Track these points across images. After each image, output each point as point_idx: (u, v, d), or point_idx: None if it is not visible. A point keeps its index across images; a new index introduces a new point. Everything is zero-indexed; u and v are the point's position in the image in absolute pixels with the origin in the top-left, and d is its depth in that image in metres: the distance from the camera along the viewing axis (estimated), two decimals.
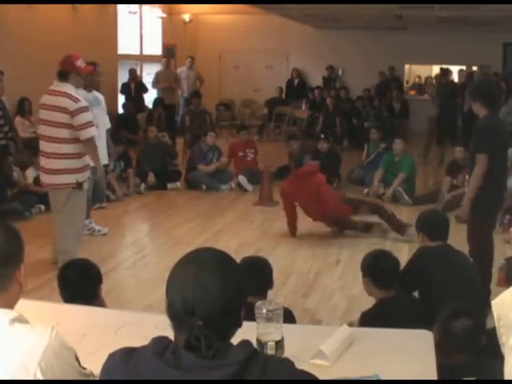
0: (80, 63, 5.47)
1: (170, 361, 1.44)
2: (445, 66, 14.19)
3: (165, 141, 9.99)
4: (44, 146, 5.46)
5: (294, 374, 1.51)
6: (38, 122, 5.61)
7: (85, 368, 1.73)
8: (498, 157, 4.54)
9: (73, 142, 5.36)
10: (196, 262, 1.51)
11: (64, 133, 5.33)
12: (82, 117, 5.32)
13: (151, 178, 9.00)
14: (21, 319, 1.68)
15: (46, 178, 5.55)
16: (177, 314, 1.47)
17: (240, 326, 1.53)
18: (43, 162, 5.51)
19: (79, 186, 5.43)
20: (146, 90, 13.07)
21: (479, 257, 4.52)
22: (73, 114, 5.30)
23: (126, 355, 1.52)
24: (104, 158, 6.48)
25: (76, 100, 5.33)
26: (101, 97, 6.58)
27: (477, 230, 4.68)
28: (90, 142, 5.43)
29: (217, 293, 1.46)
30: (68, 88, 5.38)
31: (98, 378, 1.67)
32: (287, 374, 1.49)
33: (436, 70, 16.94)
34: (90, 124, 5.37)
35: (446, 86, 12.53)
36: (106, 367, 1.55)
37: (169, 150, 9.75)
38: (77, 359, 1.70)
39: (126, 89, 12.75)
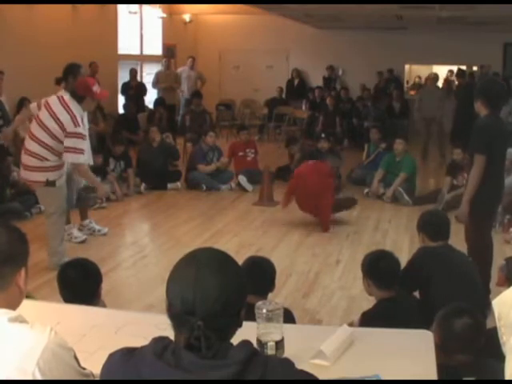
0: (96, 88, 5.61)
1: (170, 361, 1.44)
2: (463, 67, 14.25)
3: (169, 142, 9.97)
4: (29, 144, 5.55)
5: (294, 374, 1.51)
6: (34, 118, 5.62)
7: (84, 368, 1.73)
8: (496, 157, 4.52)
9: (56, 154, 5.50)
10: (196, 262, 1.51)
11: (52, 142, 5.46)
12: (74, 142, 5.43)
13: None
14: (20, 319, 1.68)
15: (23, 174, 5.72)
16: (177, 314, 1.47)
17: (240, 326, 1.53)
18: (25, 158, 5.59)
19: (51, 183, 5.53)
20: (145, 91, 13.05)
21: (477, 256, 4.51)
22: (68, 135, 5.43)
23: (126, 355, 1.52)
24: (89, 159, 6.47)
25: (76, 124, 5.45)
26: None
27: (474, 230, 4.68)
28: (79, 168, 5.65)
29: (217, 293, 1.45)
30: (77, 109, 5.50)
31: (97, 378, 1.66)
32: (287, 374, 1.49)
33: (436, 69, 16.93)
34: (78, 151, 5.45)
35: (461, 87, 12.62)
36: (106, 367, 1.55)
37: (172, 150, 9.72)
38: (76, 359, 1.70)
39: (126, 89, 12.74)
